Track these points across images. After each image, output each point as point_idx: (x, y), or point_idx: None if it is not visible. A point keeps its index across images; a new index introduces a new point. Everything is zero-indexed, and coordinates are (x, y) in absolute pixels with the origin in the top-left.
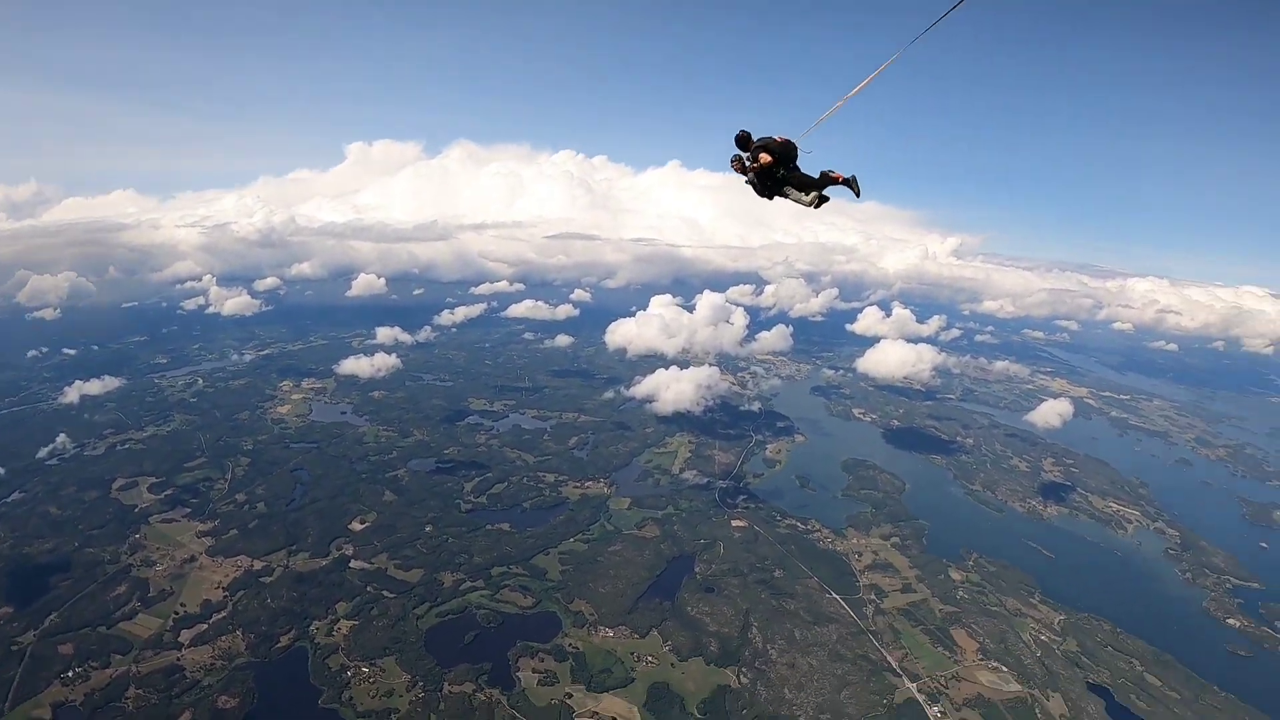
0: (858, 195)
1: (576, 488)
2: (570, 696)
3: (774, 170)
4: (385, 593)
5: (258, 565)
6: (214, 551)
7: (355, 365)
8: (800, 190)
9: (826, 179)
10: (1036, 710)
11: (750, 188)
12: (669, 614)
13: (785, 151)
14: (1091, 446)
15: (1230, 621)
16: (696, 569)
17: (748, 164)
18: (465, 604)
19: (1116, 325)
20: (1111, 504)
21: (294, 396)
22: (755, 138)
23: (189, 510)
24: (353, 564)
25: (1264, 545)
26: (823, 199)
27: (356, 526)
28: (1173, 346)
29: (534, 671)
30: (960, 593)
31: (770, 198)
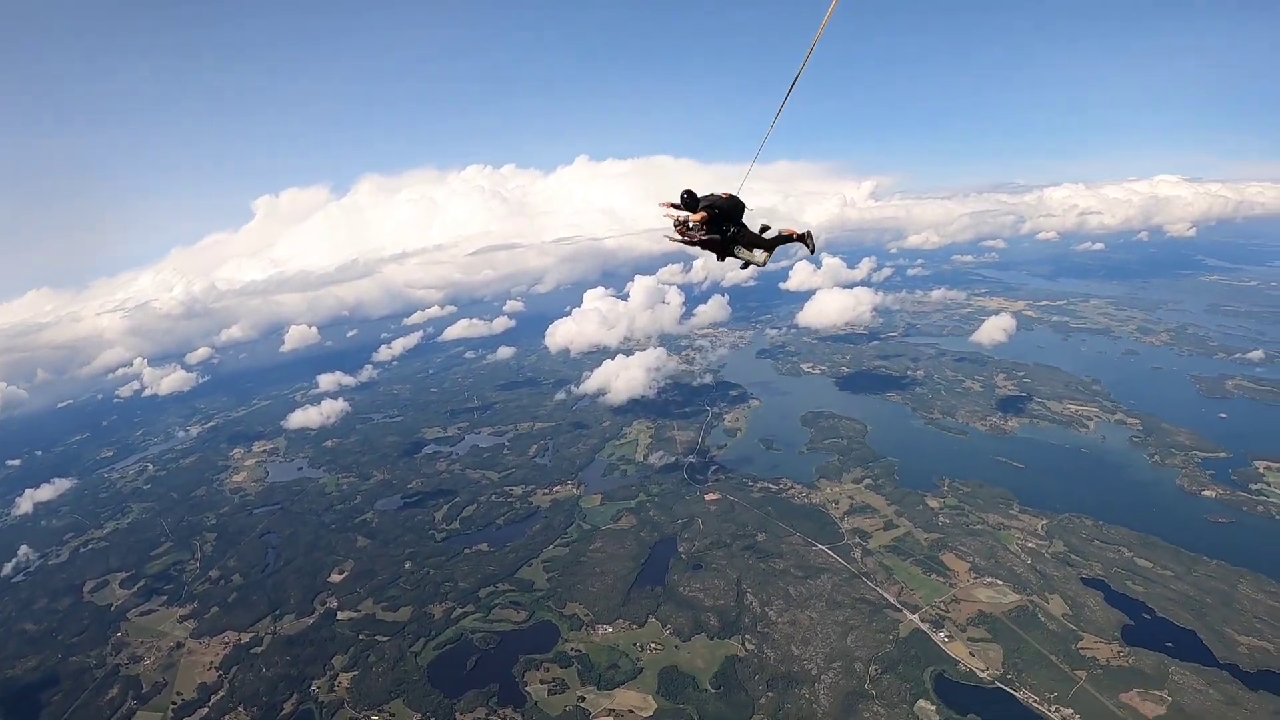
0: (812, 252)
1: (546, 495)
2: (583, 700)
3: (724, 229)
4: (378, 637)
5: (245, 638)
6: (199, 633)
7: (304, 417)
8: (750, 248)
9: (781, 238)
10: (1039, 615)
11: (698, 248)
12: (662, 598)
13: (732, 207)
14: (1039, 355)
15: (1206, 493)
16: (680, 549)
17: (691, 226)
18: (460, 631)
19: (1041, 236)
20: (1069, 406)
21: (247, 463)
22: (699, 196)
23: (165, 598)
24: (340, 616)
25: (1223, 416)
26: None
27: (336, 578)
28: (1099, 246)
29: (542, 683)
30: (941, 519)
31: (723, 258)
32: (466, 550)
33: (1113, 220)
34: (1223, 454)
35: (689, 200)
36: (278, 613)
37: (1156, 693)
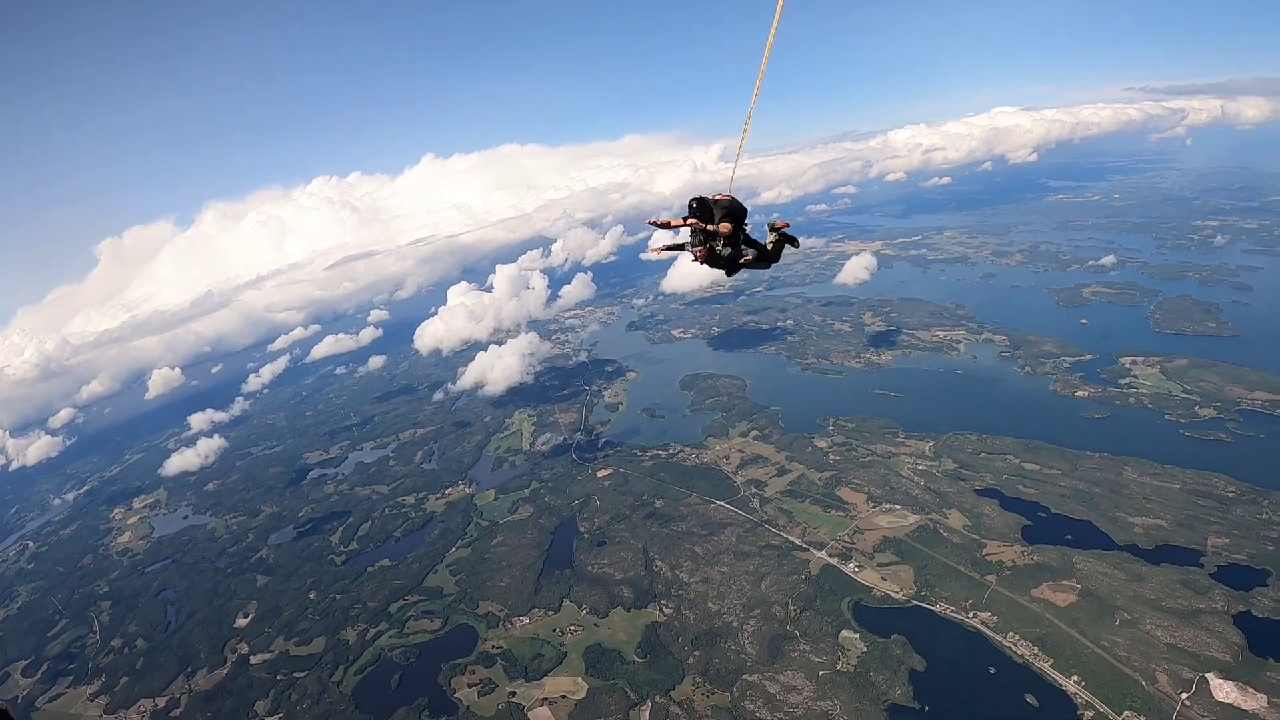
0: (796, 245)
1: (439, 499)
2: (514, 695)
3: (737, 237)
4: (296, 674)
5: (161, 703)
6: (113, 708)
7: (181, 461)
8: (752, 248)
9: (782, 235)
10: (941, 531)
11: (700, 262)
12: (573, 580)
13: (742, 212)
14: (902, 289)
15: (1079, 394)
16: (582, 529)
17: (707, 240)
18: (378, 651)
19: (890, 177)
20: (937, 333)
21: (130, 521)
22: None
23: (71, 678)
24: (254, 660)
25: (1085, 321)
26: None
27: (242, 622)
28: (946, 180)
29: (470, 686)
30: (831, 457)
31: (732, 274)
32: (369, 569)
33: (957, 154)
34: (1089, 356)
35: (700, 209)
36: (189, 670)
37: (1066, 583)
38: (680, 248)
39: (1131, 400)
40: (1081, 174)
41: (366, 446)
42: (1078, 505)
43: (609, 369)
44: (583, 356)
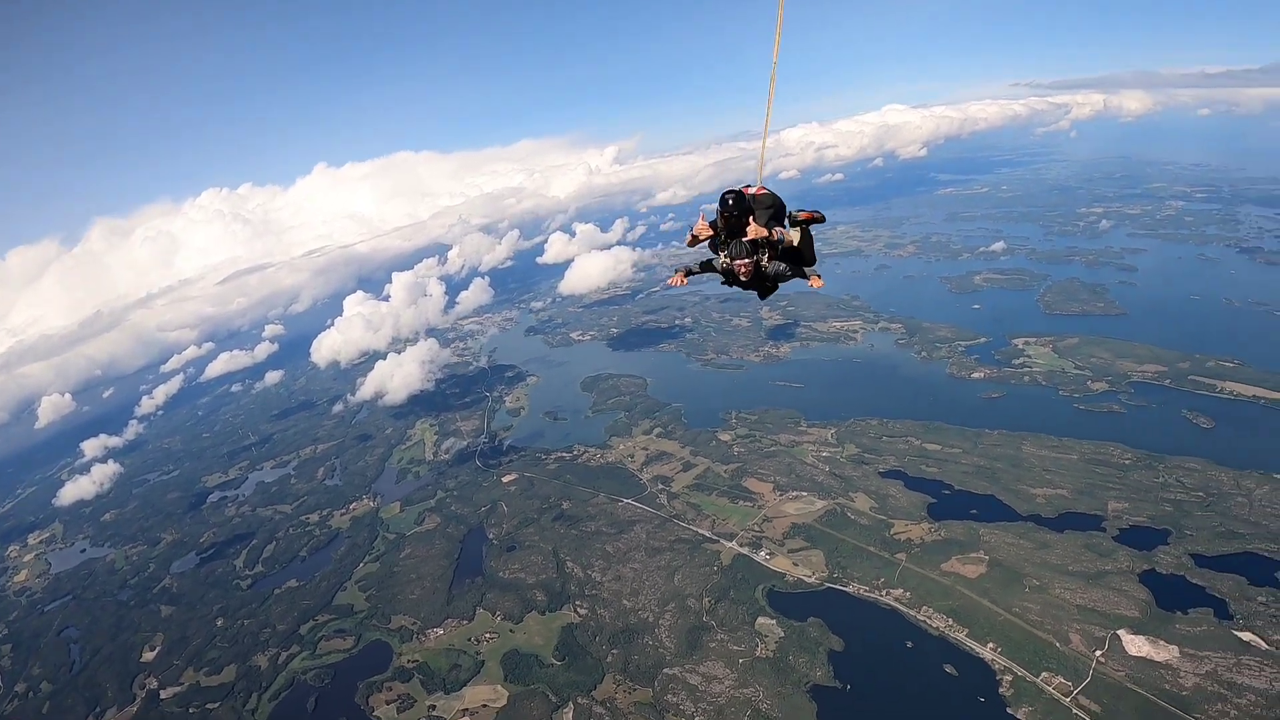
0: (823, 220)
1: (344, 515)
2: (434, 708)
3: (782, 245)
4: (209, 705)
5: None
6: None
7: (76, 490)
8: (797, 254)
9: (810, 222)
10: (848, 514)
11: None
12: (485, 588)
13: (781, 209)
14: (797, 283)
15: (975, 375)
16: (490, 535)
17: (753, 251)
18: (292, 675)
19: (784, 175)
20: (834, 324)
21: (26, 559)
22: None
23: None
24: (164, 695)
25: (977, 307)
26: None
27: (149, 656)
28: (839, 177)
29: (389, 703)
30: (736, 449)
31: (765, 295)
32: (276, 591)
33: (849, 151)
34: (983, 339)
35: (736, 206)
36: (98, 710)
37: (974, 555)
38: (709, 267)
39: (1026, 379)
40: (970, 168)
41: (267, 466)
42: (980, 481)
43: (509, 374)
44: (483, 363)
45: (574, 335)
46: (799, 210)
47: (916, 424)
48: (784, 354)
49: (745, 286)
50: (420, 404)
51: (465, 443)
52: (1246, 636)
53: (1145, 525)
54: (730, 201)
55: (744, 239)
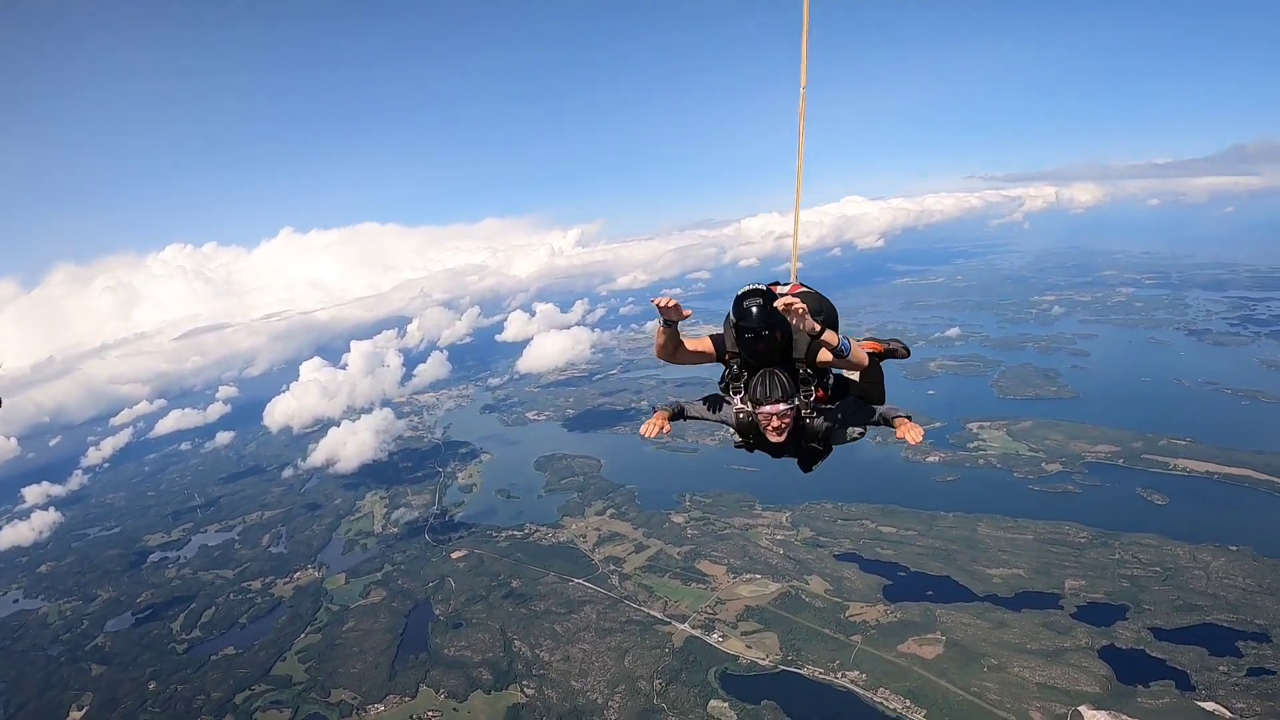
0: (905, 355)
1: (287, 584)
2: None
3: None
4: None
5: None
6: None
7: (13, 535)
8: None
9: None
10: (803, 596)
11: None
12: (429, 664)
13: (834, 318)
14: None
15: (930, 459)
16: (436, 611)
17: (794, 392)
18: None
19: (743, 263)
20: None
21: None
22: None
23: None
24: None
25: (932, 392)
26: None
27: (76, 715)
28: (798, 265)
29: None
30: (689, 531)
31: (808, 466)
32: (213, 657)
33: (807, 241)
34: (938, 424)
35: (762, 322)
36: None
37: (931, 636)
38: (715, 409)
39: (981, 461)
40: (926, 258)
41: (211, 529)
42: (936, 562)
43: (463, 450)
44: (437, 437)
45: (530, 414)
46: (866, 338)
47: (872, 507)
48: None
49: (775, 452)
50: (372, 474)
51: (415, 515)
52: (1210, 706)
53: (1103, 601)
54: (753, 311)
55: (774, 371)
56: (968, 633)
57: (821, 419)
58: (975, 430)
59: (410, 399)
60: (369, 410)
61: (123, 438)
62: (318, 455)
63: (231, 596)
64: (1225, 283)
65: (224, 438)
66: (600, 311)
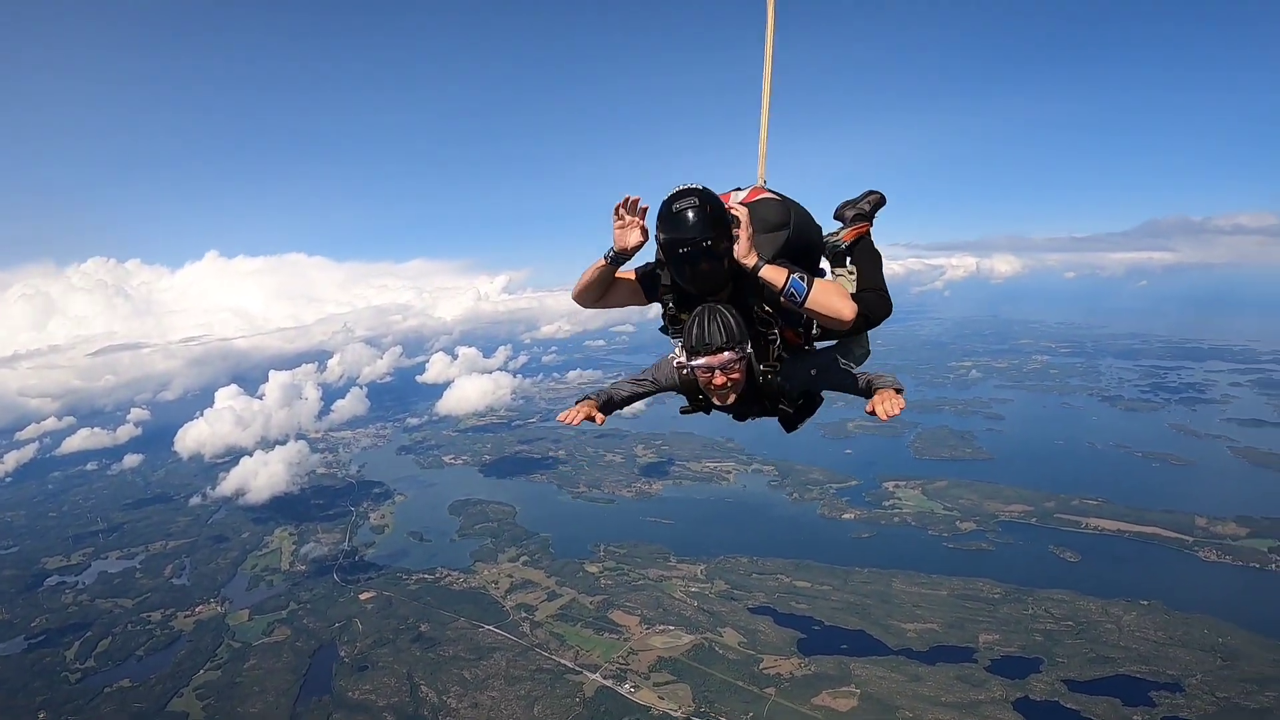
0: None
1: (188, 617)
2: None
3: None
4: None
5: None
6: None
7: None
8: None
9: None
10: (716, 648)
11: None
12: (332, 707)
13: (814, 240)
14: (674, 424)
15: (846, 516)
16: (342, 653)
17: (764, 331)
18: None
19: None
20: (707, 464)
21: None
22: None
23: None
24: None
25: (849, 452)
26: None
27: None
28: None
29: None
30: (603, 581)
31: (790, 425)
32: (107, 689)
33: None
34: (854, 482)
35: (697, 227)
36: None
37: (845, 689)
38: (657, 375)
39: (896, 519)
40: None
41: (112, 555)
42: (851, 617)
43: (377, 490)
44: (351, 474)
45: (446, 458)
46: (846, 223)
47: (787, 562)
48: (656, 491)
49: (738, 414)
50: (282, 508)
51: (325, 551)
52: None
53: (1017, 655)
54: (687, 217)
55: (715, 308)
56: (882, 686)
57: (783, 378)
58: (891, 489)
59: (326, 435)
60: (283, 442)
61: (27, 453)
62: (228, 484)
63: (130, 627)
64: (1138, 352)
65: (132, 460)
66: (523, 359)
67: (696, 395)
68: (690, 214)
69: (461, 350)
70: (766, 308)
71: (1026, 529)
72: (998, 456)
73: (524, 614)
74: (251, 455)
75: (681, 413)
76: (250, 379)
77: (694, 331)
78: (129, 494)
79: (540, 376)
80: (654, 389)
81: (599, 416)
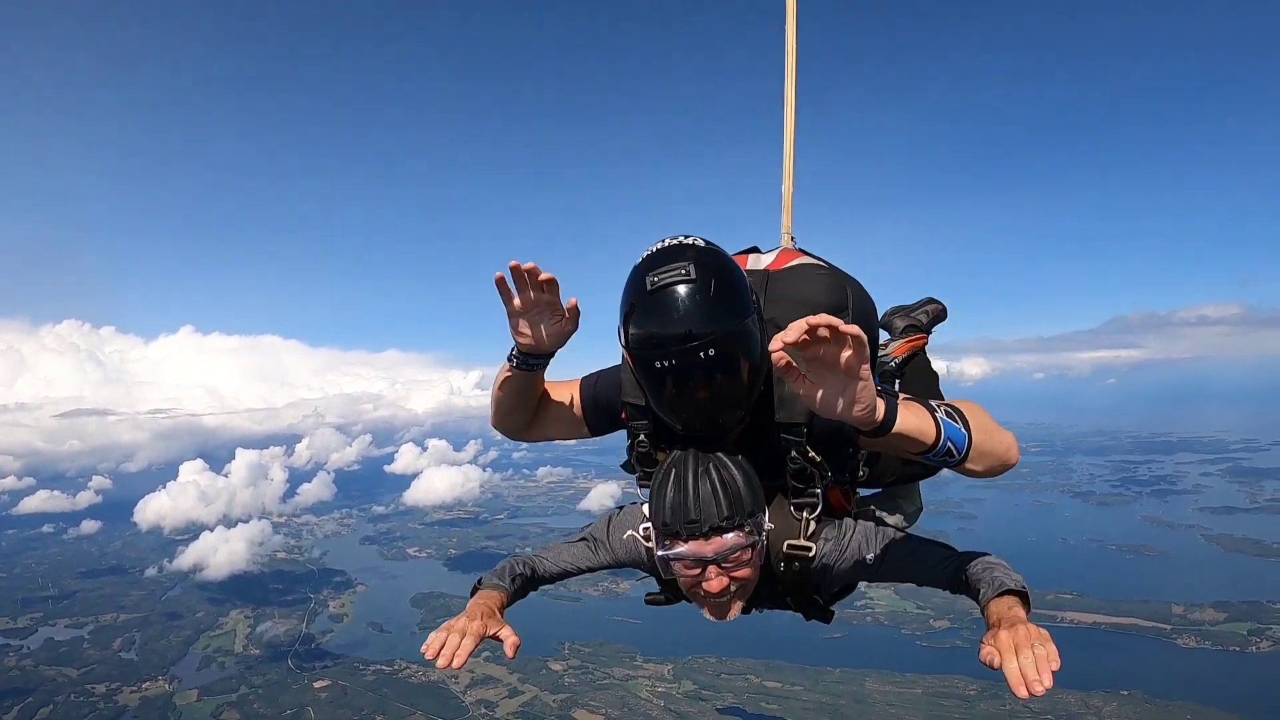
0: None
1: (134, 693)
2: None
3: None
4: None
5: None
6: None
7: None
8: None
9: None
10: None
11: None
12: None
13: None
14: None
15: None
16: None
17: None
18: None
19: None
20: None
21: None
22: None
23: None
24: None
25: None
26: None
27: None
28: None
29: None
30: (567, 679)
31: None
32: None
33: None
34: None
35: (697, 297)
36: None
37: None
38: (603, 542)
39: (868, 619)
40: None
41: (61, 623)
42: (823, 717)
43: (338, 579)
44: (313, 559)
45: (410, 550)
46: (895, 335)
47: (757, 662)
48: (624, 590)
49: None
50: (239, 588)
51: (280, 636)
52: None
53: None
54: (677, 297)
55: (717, 460)
56: None
57: (822, 568)
58: (863, 589)
59: (289, 519)
60: (246, 521)
61: None
62: (186, 558)
63: (73, 697)
64: (1108, 448)
65: (90, 526)
66: (493, 454)
67: (672, 584)
68: (680, 291)
69: (431, 442)
70: (813, 453)
71: None
72: None
73: (484, 710)
74: (212, 531)
75: (648, 602)
76: (217, 457)
77: (671, 497)
78: (84, 562)
79: (510, 472)
80: (597, 567)
81: (500, 632)
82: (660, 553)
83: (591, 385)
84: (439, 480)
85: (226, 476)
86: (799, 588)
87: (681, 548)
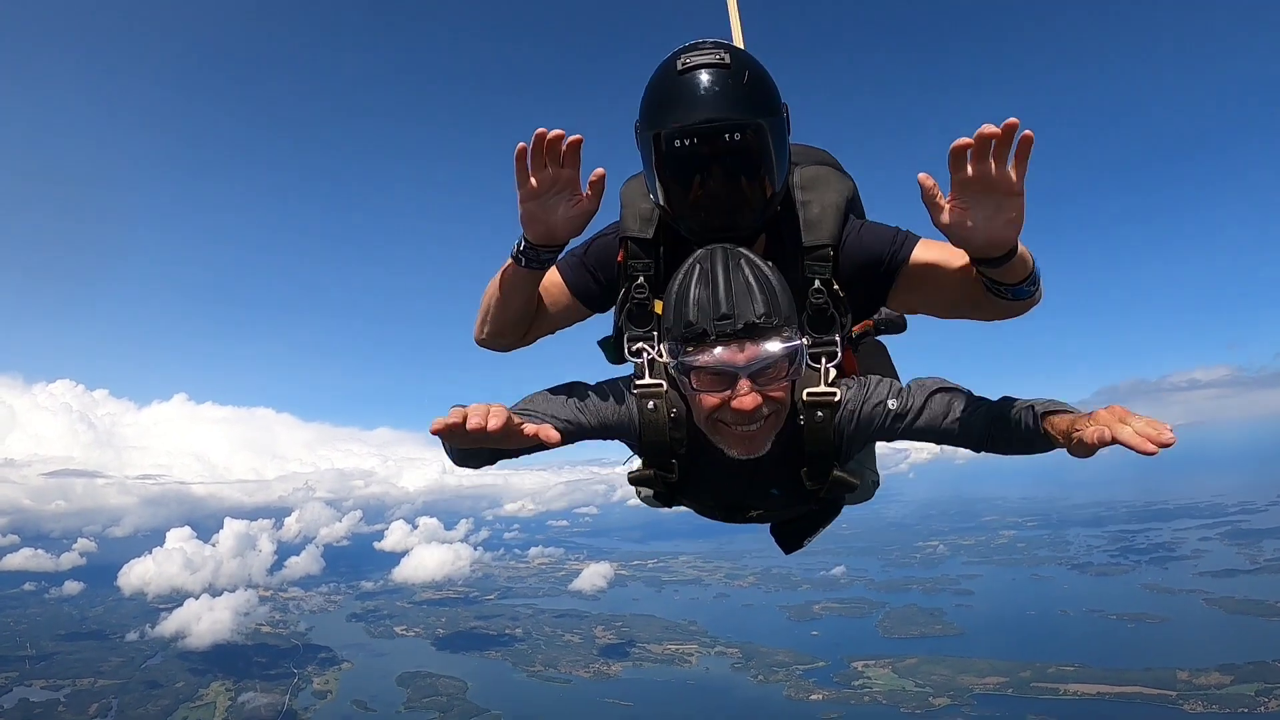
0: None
1: None
2: None
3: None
4: None
5: None
6: None
7: None
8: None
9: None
10: None
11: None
12: None
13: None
14: (635, 606)
15: (813, 697)
16: None
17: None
18: None
19: (631, 503)
20: (669, 646)
21: None
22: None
23: None
24: None
25: (815, 633)
26: None
27: None
28: (685, 509)
29: None
30: None
31: (798, 539)
32: None
33: None
34: (821, 663)
35: (729, 83)
36: None
37: None
38: (580, 425)
39: (866, 699)
40: None
41: (37, 684)
42: None
43: (323, 655)
44: (298, 633)
45: (398, 628)
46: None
47: None
48: (615, 672)
49: (732, 507)
50: (222, 659)
51: (262, 707)
52: None
53: None
54: (706, 83)
55: (747, 254)
56: None
57: (853, 407)
58: (860, 669)
59: (276, 592)
60: (232, 590)
61: None
62: (168, 625)
63: None
64: (1105, 519)
65: (73, 588)
66: (485, 534)
67: (667, 451)
68: (713, 74)
69: (422, 520)
70: (835, 285)
71: (1003, 700)
72: (968, 630)
73: None
74: (197, 599)
75: (631, 481)
76: (205, 526)
77: (697, 293)
78: (64, 624)
79: (501, 552)
80: (575, 432)
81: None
82: (680, 359)
83: (573, 252)
84: (429, 558)
85: (214, 546)
86: (822, 444)
87: (708, 356)
